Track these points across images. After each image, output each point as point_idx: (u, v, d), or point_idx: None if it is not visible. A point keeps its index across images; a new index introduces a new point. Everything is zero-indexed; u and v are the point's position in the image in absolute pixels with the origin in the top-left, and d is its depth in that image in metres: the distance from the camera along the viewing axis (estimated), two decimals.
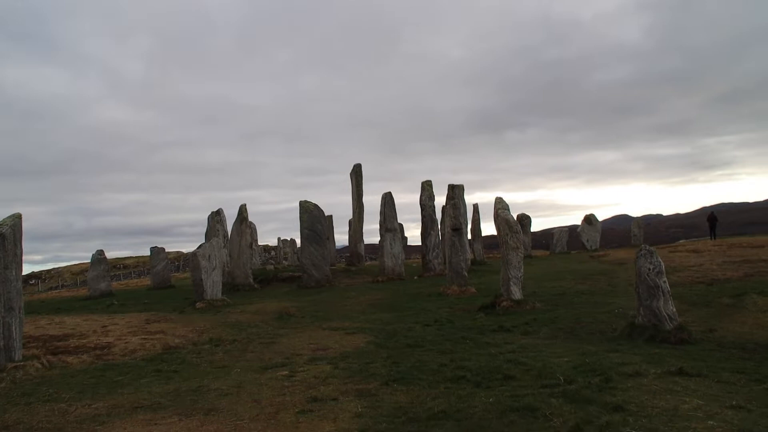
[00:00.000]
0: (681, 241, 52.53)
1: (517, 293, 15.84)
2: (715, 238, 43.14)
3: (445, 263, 30.59)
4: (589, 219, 47.20)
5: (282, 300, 22.01)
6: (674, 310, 11.08)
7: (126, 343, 13.20)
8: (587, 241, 46.15)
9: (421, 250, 31.18)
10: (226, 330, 14.93)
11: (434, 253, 29.64)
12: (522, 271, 16.07)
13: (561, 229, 47.82)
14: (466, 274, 20.83)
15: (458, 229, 20.81)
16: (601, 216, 47.85)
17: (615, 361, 9.03)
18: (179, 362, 10.96)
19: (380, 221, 28.78)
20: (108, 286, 33.97)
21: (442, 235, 31.19)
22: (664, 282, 11.18)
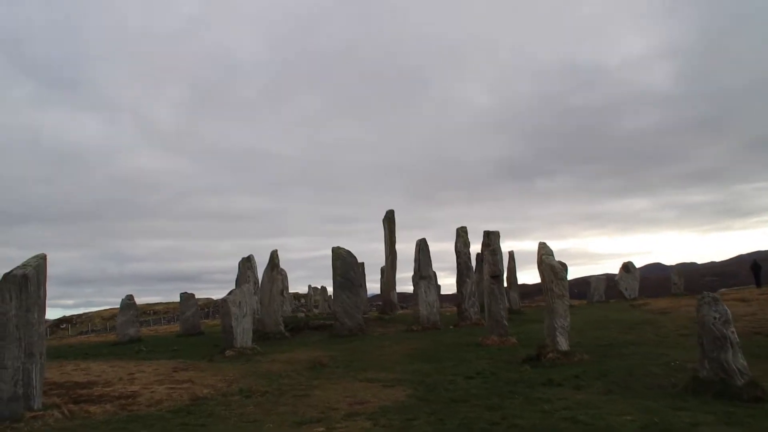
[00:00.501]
0: (722, 290, 50.80)
1: (563, 344, 14.92)
2: (760, 286, 41.59)
3: (481, 312, 29.67)
4: (627, 267, 45.86)
5: (314, 349, 21.25)
6: (744, 363, 10.13)
7: (152, 392, 12.57)
8: (626, 289, 44.76)
9: (456, 298, 30.27)
10: (257, 380, 14.22)
11: (470, 302, 28.69)
12: (568, 320, 15.17)
13: (598, 277, 46.54)
14: (506, 323, 19.90)
15: (497, 276, 19.99)
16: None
17: (686, 420, 8.15)
18: (207, 415, 10.26)
19: (414, 268, 28.01)
20: (137, 331, 33.55)
21: (477, 282, 30.33)
22: (732, 332, 10.27)
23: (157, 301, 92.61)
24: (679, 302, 33.68)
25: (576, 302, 43.69)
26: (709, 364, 10.35)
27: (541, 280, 15.62)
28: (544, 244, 16.08)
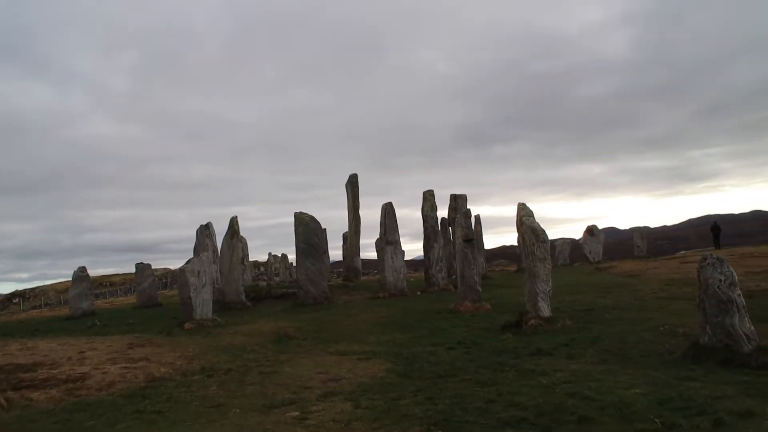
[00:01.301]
0: (682, 252, 51.23)
1: (545, 310, 14.12)
2: (719, 248, 41.91)
3: (449, 277, 28.96)
4: (592, 230, 45.66)
5: (278, 319, 20.16)
6: (752, 328, 9.38)
7: (104, 373, 11.35)
8: (590, 252, 44.62)
9: (418, 264, 29.44)
10: (220, 356, 13.10)
11: (437, 267, 27.87)
12: (550, 284, 14.37)
13: (564, 240, 46.30)
14: (480, 288, 19.08)
15: (470, 240, 19.08)
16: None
17: (703, 392, 7.33)
18: (165, 399, 9.13)
19: (381, 233, 27.03)
20: (91, 305, 31.96)
21: (444, 247, 29.49)
22: (739, 295, 9.50)
23: (113, 273, 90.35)
24: (645, 265, 33.49)
25: None
26: (712, 330, 9.58)
27: (521, 242, 14.76)
28: (524, 204, 15.17)
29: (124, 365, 12.21)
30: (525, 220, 14.57)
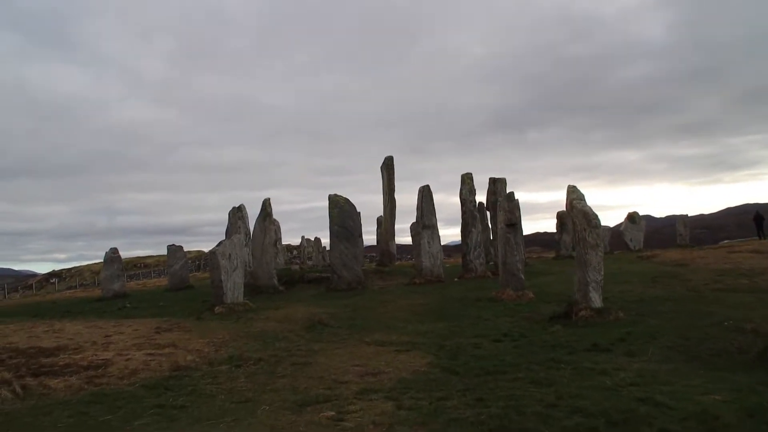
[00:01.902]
0: (726, 242, 49.44)
1: (597, 300, 13.15)
2: (764, 238, 40.25)
3: (487, 263, 28.02)
4: (633, 217, 44.11)
5: (311, 305, 19.47)
6: None
7: (127, 360, 10.72)
8: (630, 240, 43.06)
9: (461, 248, 28.47)
10: (249, 343, 12.40)
11: (475, 253, 26.88)
12: (602, 273, 13.38)
13: (604, 227, 44.86)
14: (522, 276, 18.12)
15: (514, 225, 18.13)
16: (623, 216, 44.83)
17: None
18: (189, 392, 8.41)
19: (417, 217, 26.11)
20: (122, 286, 31.73)
21: (482, 232, 28.47)
22: None
23: (147, 255, 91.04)
24: (691, 254, 32.08)
25: None
26: None
27: (573, 227, 13.76)
28: (574, 187, 14.17)
29: (149, 351, 11.59)
30: (576, 203, 13.58)
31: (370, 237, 45.60)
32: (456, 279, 25.98)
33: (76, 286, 61.63)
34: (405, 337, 12.49)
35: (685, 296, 16.15)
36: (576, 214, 13.46)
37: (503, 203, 18.14)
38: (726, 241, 50.34)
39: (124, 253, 33.12)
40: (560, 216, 39.58)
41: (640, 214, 45.96)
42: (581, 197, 13.83)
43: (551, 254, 45.56)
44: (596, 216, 13.29)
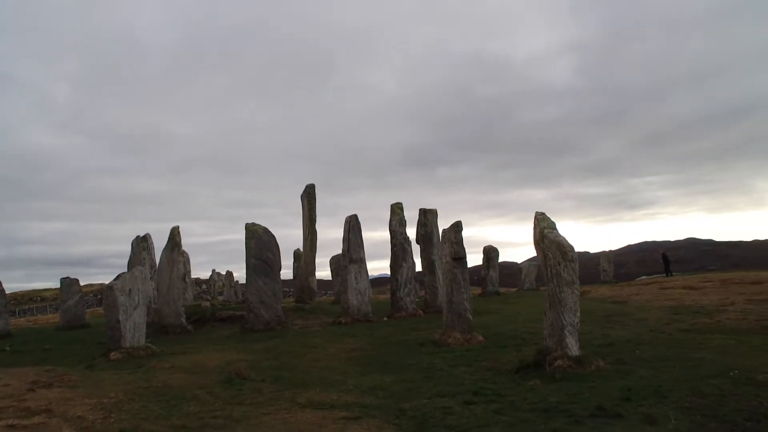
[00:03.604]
0: (642, 278, 50.34)
1: (574, 347, 11.09)
2: (670, 275, 43.54)
3: (425, 302, 26.08)
4: None
5: (225, 349, 16.67)
6: None
7: None
8: None
9: (389, 283, 26.24)
10: (149, 406, 9.62)
11: (406, 290, 24.70)
12: (578, 315, 11.36)
13: (530, 263, 43.80)
14: (471, 317, 15.98)
15: (460, 259, 16.01)
16: (531, 252, 45.30)
17: None
18: None
19: (344, 249, 23.73)
20: (5, 324, 27.86)
21: (411, 267, 26.32)
22: None
23: (46, 287, 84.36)
24: (621, 290, 31.17)
25: (503, 289, 40.65)
26: None
27: (543, 261, 11.72)
28: (543, 214, 12.19)
29: (11, 423, 8.67)
30: (547, 233, 11.58)
31: (285, 271, 42.74)
32: (385, 318, 23.73)
33: None
34: (348, 397, 10.03)
35: (655, 339, 14.46)
36: (548, 245, 11.45)
37: (449, 234, 16.02)
38: (643, 277, 51.44)
39: (23, 285, 29.47)
40: (486, 251, 38.17)
41: None
42: (552, 226, 11.85)
43: (476, 290, 44.12)
44: (572, 247, 11.34)
